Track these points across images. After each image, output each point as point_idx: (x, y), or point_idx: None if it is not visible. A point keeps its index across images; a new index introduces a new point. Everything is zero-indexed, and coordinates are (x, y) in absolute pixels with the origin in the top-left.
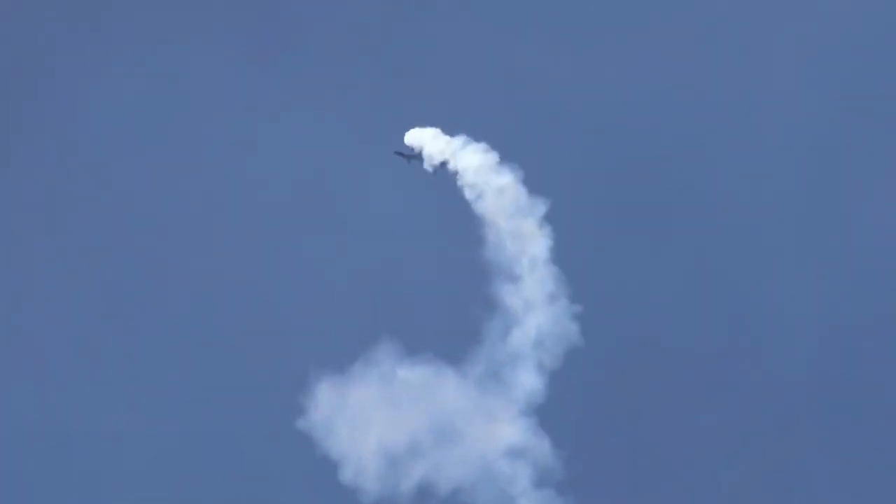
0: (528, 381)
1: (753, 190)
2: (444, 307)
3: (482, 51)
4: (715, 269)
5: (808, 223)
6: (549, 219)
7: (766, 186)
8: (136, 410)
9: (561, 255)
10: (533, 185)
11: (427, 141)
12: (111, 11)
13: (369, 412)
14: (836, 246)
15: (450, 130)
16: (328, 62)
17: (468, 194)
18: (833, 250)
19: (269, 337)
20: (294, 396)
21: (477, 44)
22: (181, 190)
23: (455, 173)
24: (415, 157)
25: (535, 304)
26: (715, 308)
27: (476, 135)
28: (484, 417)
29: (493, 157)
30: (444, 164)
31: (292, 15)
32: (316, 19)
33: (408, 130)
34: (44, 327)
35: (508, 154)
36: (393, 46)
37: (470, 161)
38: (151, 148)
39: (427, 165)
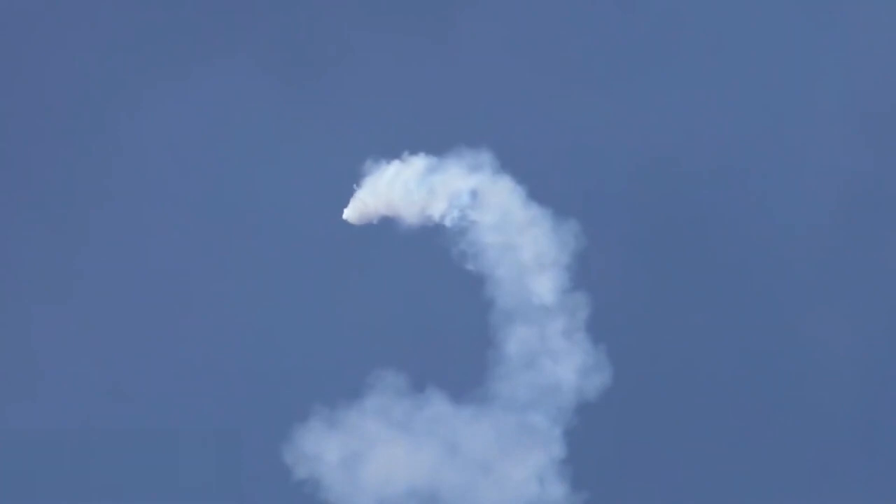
0: (545, 422)
1: (801, 235)
2: (456, 343)
3: (519, 90)
4: (753, 313)
5: (857, 270)
6: (576, 255)
7: (815, 231)
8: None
9: (584, 290)
10: (559, 218)
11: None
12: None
13: (368, 454)
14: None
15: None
16: (355, 91)
17: (490, 237)
18: (883, 295)
19: (265, 368)
20: (287, 433)
21: (512, 81)
22: (177, 203)
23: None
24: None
25: (555, 342)
26: (753, 350)
27: (504, 169)
28: (497, 461)
29: (514, 191)
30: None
31: (333, 41)
32: (351, 48)
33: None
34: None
35: (533, 187)
36: (416, 77)
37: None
38: (164, 170)
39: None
